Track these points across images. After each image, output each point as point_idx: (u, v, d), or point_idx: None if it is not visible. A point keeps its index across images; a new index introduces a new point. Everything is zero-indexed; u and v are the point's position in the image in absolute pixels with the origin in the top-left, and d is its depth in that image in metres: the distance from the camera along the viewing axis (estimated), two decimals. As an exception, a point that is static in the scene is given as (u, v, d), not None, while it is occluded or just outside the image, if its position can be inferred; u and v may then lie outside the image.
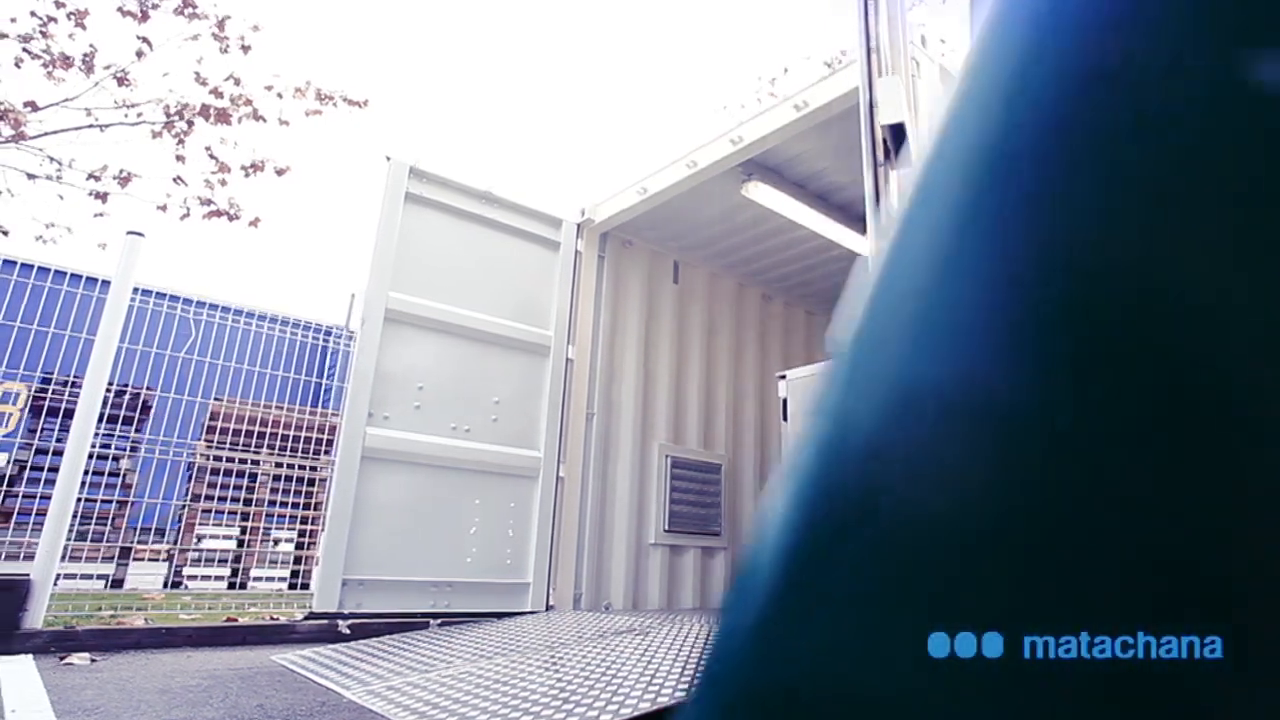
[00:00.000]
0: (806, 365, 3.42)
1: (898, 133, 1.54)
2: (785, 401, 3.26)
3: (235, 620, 3.55)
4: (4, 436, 5.75)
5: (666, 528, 4.44)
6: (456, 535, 3.64)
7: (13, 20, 5.67)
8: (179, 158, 6.06)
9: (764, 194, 4.05)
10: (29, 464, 5.80)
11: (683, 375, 4.87)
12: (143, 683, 2.41)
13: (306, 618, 3.39)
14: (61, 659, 2.75)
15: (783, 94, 4.21)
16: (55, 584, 3.21)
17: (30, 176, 5.33)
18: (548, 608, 3.86)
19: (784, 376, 3.31)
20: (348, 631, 3.31)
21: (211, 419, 6.61)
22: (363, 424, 3.44)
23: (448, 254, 3.93)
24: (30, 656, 2.81)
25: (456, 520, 3.65)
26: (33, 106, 4.99)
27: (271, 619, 3.60)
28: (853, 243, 4.65)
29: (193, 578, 6.40)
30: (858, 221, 4.56)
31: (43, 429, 5.86)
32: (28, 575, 2.98)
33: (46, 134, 5.06)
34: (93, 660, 2.79)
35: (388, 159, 3.83)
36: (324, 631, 3.40)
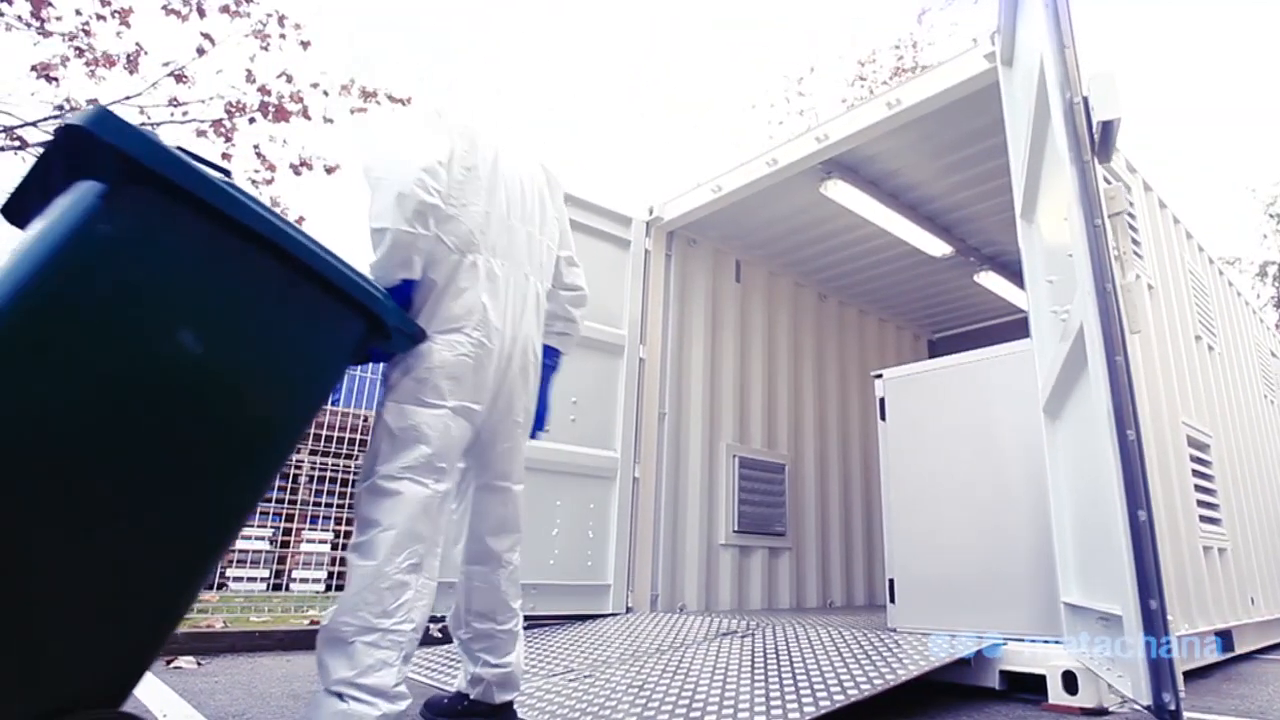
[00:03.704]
0: (901, 365, 3.40)
1: (1107, 129, 1.51)
2: (883, 401, 3.23)
3: (319, 623, 3.52)
4: None
5: (736, 528, 4.41)
6: (540, 537, 3.61)
7: (58, 19, 5.63)
8: (225, 155, 6.02)
9: (843, 193, 4.02)
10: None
11: (746, 374, 4.85)
12: (265, 687, 2.38)
13: (400, 620, 3.36)
14: (169, 662, 2.72)
15: (858, 92, 4.19)
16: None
17: (82, 175, 5.29)
18: (627, 610, 3.83)
19: (880, 375, 3.28)
20: (439, 635, 3.28)
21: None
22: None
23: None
24: (134, 660, 2.78)
25: (540, 522, 3.62)
26: (94, 105, 4.95)
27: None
28: (921, 242, 4.62)
29: (238, 579, 6.36)
30: (926, 221, 4.54)
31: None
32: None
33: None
34: (199, 664, 2.76)
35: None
36: (411, 634, 3.37)
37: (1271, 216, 15.25)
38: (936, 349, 6.46)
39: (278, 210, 6.22)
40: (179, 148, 1.16)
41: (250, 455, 1.26)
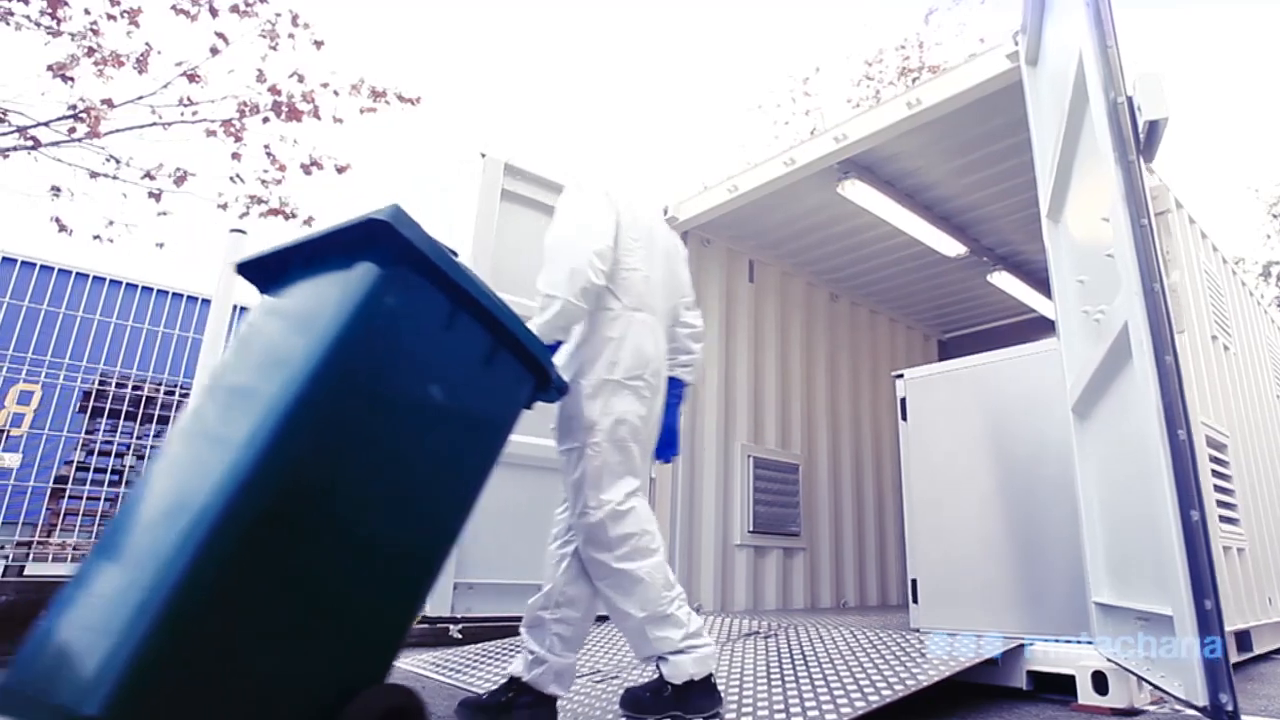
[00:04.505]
0: (914, 366, 3.40)
1: (1154, 129, 1.51)
2: (904, 401, 3.23)
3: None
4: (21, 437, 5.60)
5: (751, 528, 4.41)
6: (558, 537, 3.60)
7: (69, 19, 5.62)
8: (235, 155, 6.01)
9: (860, 193, 4.02)
10: (86, 465, 5.72)
11: (760, 375, 4.84)
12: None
13: (418, 622, 3.36)
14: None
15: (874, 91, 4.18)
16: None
17: (93, 175, 5.28)
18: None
19: (901, 375, 3.28)
20: (459, 636, 3.27)
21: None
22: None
23: (541, 251, 3.88)
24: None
25: (558, 522, 3.62)
26: (109, 104, 4.94)
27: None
28: (936, 242, 4.62)
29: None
30: (941, 220, 4.54)
31: (93, 429, 5.80)
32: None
33: (114, 131, 5.02)
34: (222, 665, 2.75)
35: (482, 155, 3.79)
36: (430, 636, 3.37)
37: (1275, 217, 15.28)
38: (946, 349, 6.46)
39: (288, 209, 6.22)
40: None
41: (466, 488, 1.51)
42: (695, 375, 2.36)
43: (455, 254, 1.42)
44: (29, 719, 0.99)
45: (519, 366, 1.61)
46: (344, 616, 1.24)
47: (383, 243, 1.28)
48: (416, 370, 1.37)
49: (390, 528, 1.32)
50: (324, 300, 1.28)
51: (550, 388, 1.72)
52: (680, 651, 1.83)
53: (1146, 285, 1.46)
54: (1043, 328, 5.85)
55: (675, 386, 2.24)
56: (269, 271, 1.46)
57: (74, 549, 4.94)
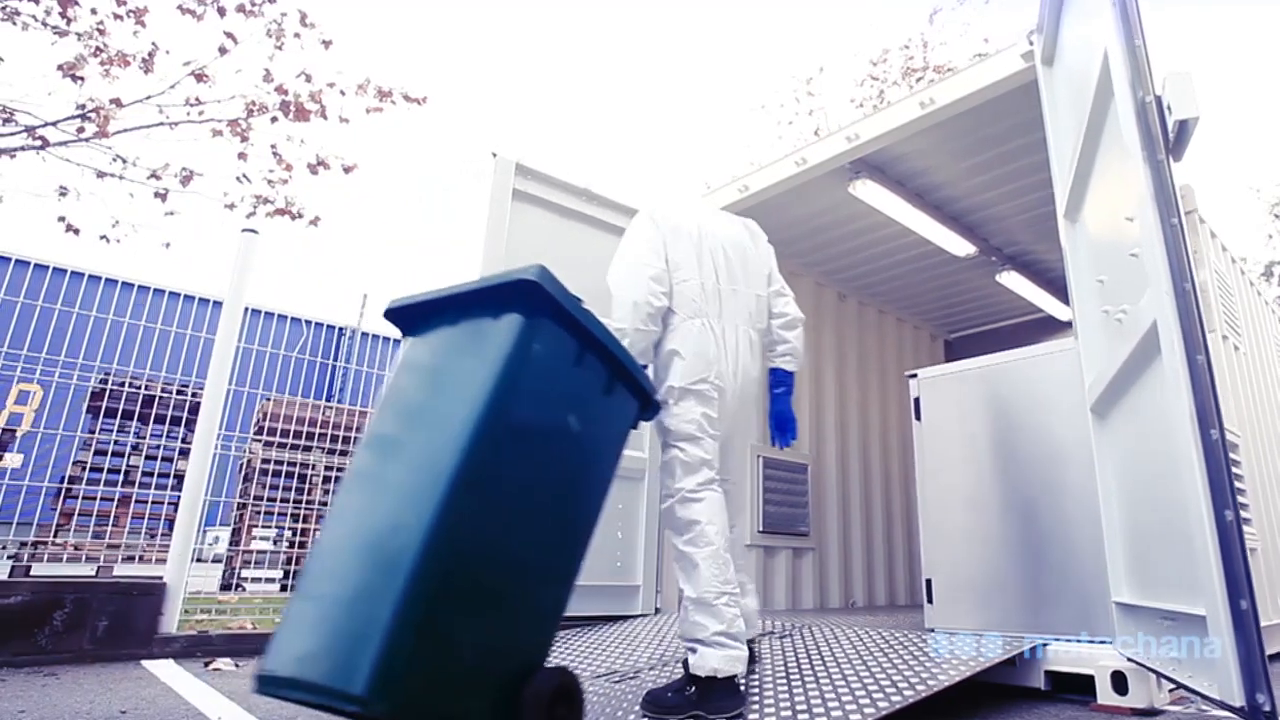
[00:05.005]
0: (923, 366, 3.40)
1: (1184, 128, 1.50)
2: (918, 401, 3.22)
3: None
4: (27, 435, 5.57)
5: (761, 528, 4.41)
6: (570, 537, 3.60)
7: (75, 19, 5.61)
8: (241, 155, 6.00)
9: (871, 193, 4.01)
10: (90, 465, 5.69)
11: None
12: (310, 689, 2.36)
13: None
14: (207, 664, 2.71)
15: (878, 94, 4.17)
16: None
17: (100, 175, 5.27)
18: (655, 611, 3.82)
19: (915, 375, 3.28)
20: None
21: (267, 419, 6.53)
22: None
23: (552, 251, 3.87)
24: (172, 661, 2.76)
25: (570, 522, 3.61)
26: (118, 104, 4.93)
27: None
28: (945, 241, 4.62)
29: (255, 580, 6.33)
30: (951, 220, 4.53)
31: (102, 429, 5.77)
32: (162, 579, 2.93)
33: (122, 131, 5.01)
34: (236, 665, 2.75)
35: (494, 155, 3.79)
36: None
37: (1276, 217, 15.29)
38: (952, 349, 6.46)
39: (294, 209, 6.22)
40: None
41: (598, 498, 1.75)
42: (797, 363, 2.48)
43: (581, 300, 1.63)
44: (302, 696, 1.27)
45: (628, 393, 1.85)
46: (518, 614, 1.51)
47: (529, 297, 1.50)
48: (557, 401, 1.61)
49: (546, 536, 1.57)
50: (485, 344, 1.51)
51: (652, 407, 1.97)
52: (710, 645, 1.91)
53: (1178, 284, 1.46)
54: (1048, 328, 5.85)
55: (778, 376, 2.43)
56: (414, 317, 1.69)
57: (75, 548, 4.93)
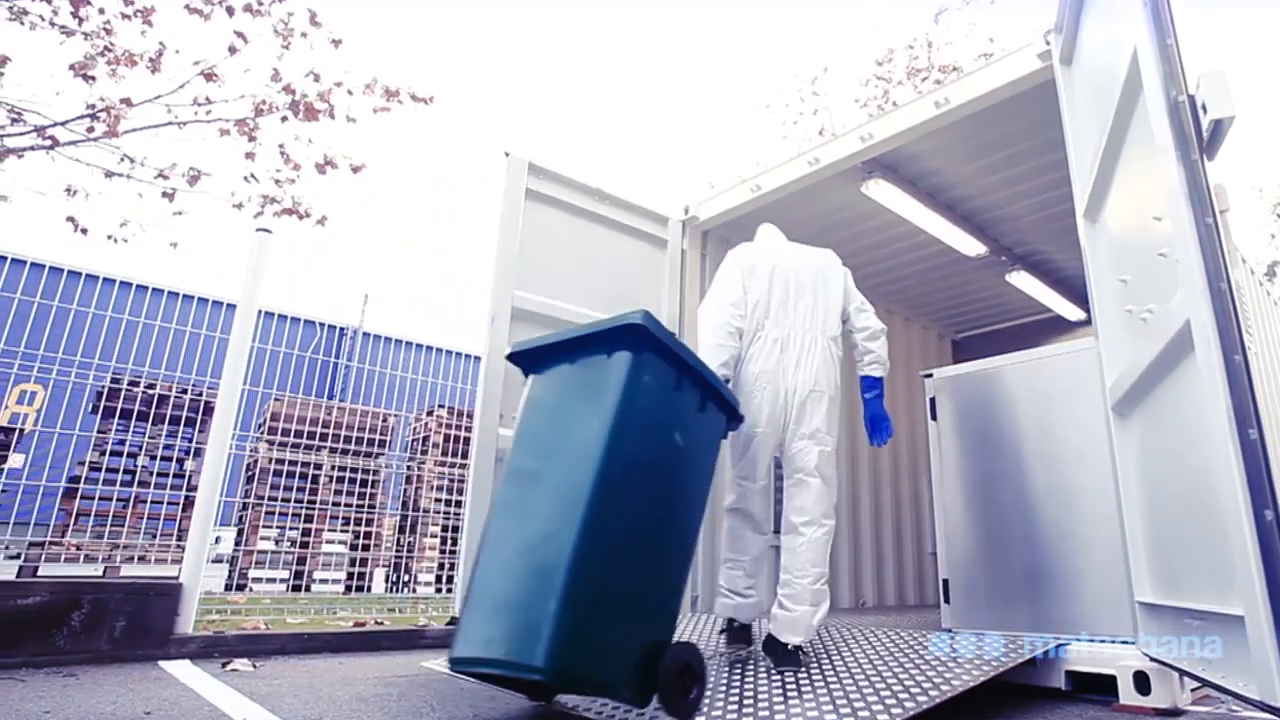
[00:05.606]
0: (939, 366, 3.40)
1: (1219, 127, 1.50)
2: (933, 400, 3.22)
3: (364, 625, 3.50)
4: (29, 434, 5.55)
5: (772, 529, 4.39)
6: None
7: (87, 18, 5.59)
8: (249, 154, 5.99)
9: (883, 192, 4.01)
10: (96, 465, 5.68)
11: (778, 375, 4.83)
12: (329, 690, 2.36)
13: (450, 622, 3.34)
14: (225, 664, 2.70)
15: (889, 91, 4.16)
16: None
17: (108, 174, 5.26)
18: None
19: (930, 375, 3.27)
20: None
21: (273, 419, 6.52)
22: (495, 426, 3.38)
23: (564, 251, 3.87)
24: (189, 662, 2.76)
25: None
26: (128, 103, 4.92)
27: (376, 624, 3.56)
28: (956, 241, 4.62)
29: (259, 580, 6.31)
30: (963, 220, 4.53)
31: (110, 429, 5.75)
32: (176, 579, 2.93)
33: (131, 131, 4.99)
34: (254, 665, 2.74)
35: (506, 155, 3.78)
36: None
37: (1279, 217, 15.29)
38: (960, 349, 6.46)
39: (302, 208, 6.20)
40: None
41: (701, 503, 2.10)
42: (883, 369, 2.80)
43: (674, 334, 2.02)
44: (491, 670, 1.66)
45: (718, 409, 2.15)
46: (649, 602, 1.85)
47: (635, 337, 1.81)
48: (665, 421, 1.91)
49: (664, 535, 1.91)
50: (604, 378, 1.81)
51: (737, 418, 2.27)
52: (718, 594, 2.75)
53: (1214, 284, 1.46)
54: (1056, 328, 5.84)
55: (868, 382, 2.79)
56: (535, 358, 2.02)
57: (76, 547, 4.92)
